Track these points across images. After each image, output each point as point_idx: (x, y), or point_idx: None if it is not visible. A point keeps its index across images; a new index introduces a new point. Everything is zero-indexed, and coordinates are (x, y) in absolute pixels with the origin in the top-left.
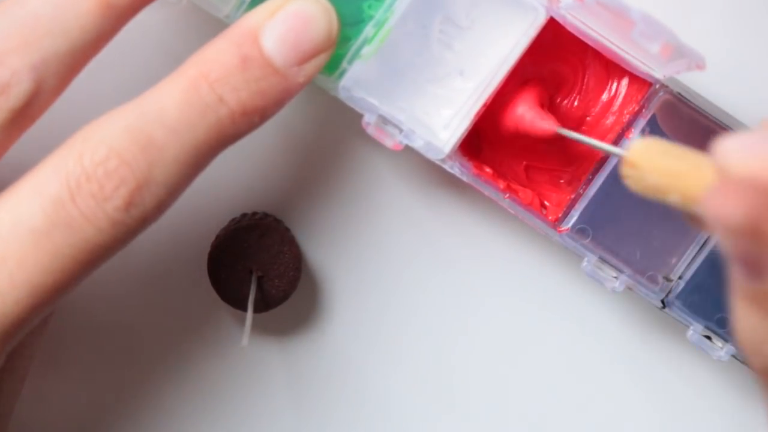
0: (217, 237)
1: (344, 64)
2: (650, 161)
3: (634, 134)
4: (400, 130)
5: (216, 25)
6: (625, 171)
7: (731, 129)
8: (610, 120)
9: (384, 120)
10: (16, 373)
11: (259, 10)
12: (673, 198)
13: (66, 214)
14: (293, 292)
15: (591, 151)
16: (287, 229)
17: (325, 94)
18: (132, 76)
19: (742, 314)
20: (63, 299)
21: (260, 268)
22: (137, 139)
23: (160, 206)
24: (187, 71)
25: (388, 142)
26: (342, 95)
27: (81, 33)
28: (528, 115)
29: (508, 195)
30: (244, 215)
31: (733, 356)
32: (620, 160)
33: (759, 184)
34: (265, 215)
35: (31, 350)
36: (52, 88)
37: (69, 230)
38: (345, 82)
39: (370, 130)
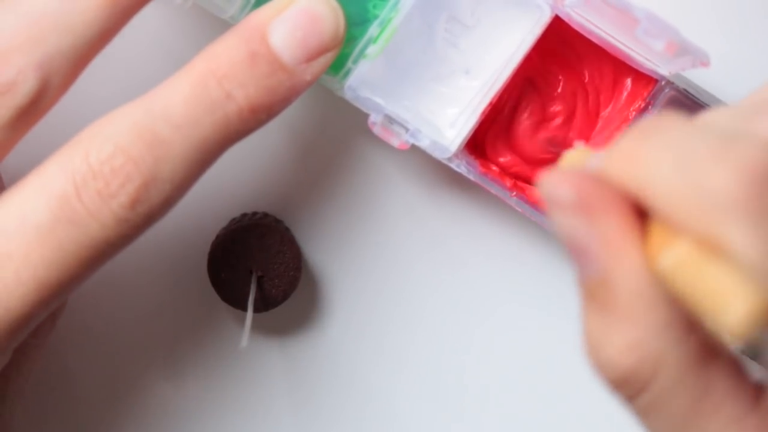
0: (217, 237)
1: (349, 63)
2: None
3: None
4: (406, 130)
5: (220, 27)
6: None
7: None
8: (616, 118)
9: (390, 119)
10: (21, 371)
11: (267, 8)
12: None
13: (71, 210)
14: (293, 292)
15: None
16: (287, 229)
17: (330, 93)
18: (137, 78)
19: (584, 315)
20: (69, 295)
21: (260, 268)
22: (143, 135)
23: (167, 203)
24: (195, 67)
25: (394, 142)
26: (347, 95)
27: (85, 29)
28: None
29: (515, 193)
30: (244, 215)
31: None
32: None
33: (590, 173)
34: (265, 215)
35: (37, 352)
36: (57, 85)
37: (74, 227)
38: (351, 81)
39: (376, 130)
